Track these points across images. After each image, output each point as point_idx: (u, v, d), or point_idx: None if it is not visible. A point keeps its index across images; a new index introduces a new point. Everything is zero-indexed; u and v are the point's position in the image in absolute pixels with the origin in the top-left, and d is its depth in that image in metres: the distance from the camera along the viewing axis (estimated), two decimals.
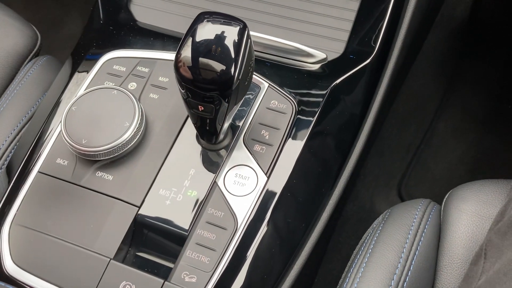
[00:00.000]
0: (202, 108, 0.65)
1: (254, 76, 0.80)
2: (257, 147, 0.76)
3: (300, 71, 0.85)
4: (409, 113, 1.51)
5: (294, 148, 0.77)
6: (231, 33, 0.60)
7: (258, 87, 0.81)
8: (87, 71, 0.87)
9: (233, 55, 0.60)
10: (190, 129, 0.79)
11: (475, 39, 1.59)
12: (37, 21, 1.15)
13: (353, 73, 0.85)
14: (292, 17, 0.89)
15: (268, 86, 0.81)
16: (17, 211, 0.76)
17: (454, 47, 1.59)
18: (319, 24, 0.88)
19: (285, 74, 0.84)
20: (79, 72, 0.88)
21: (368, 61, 0.86)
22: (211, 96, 0.62)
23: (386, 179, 1.44)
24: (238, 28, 0.61)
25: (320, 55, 0.85)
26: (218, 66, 0.60)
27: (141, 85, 0.82)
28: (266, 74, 0.83)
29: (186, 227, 0.73)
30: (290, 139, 0.78)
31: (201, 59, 0.60)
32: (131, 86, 0.83)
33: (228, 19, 0.62)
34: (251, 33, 0.63)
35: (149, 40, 0.89)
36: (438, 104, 1.52)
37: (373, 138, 1.23)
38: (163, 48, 0.88)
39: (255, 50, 0.73)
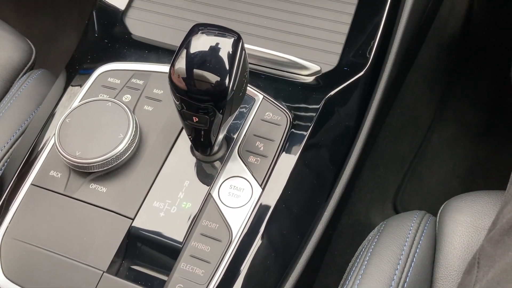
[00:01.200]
0: (197, 120, 0.65)
1: (248, 88, 0.81)
2: (251, 159, 0.76)
3: (294, 83, 0.85)
4: (403, 125, 1.52)
5: (289, 160, 0.77)
6: (225, 45, 0.61)
7: (252, 99, 0.81)
8: (82, 84, 0.87)
9: (227, 67, 0.60)
10: (184, 141, 0.78)
11: (467, 53, 1.60)
12: (32, 35, 1.16)
13: (347, 85, 0.85)
14: (287, 30, 0.90)
15: (263, 98, 0.81)
16: (9, 223, 0.75)
17: (447, 60, 1.60)
18: (313, 37, 0.89)
19: (280, 86, 0.84)
20: (73, 85, 0.88)
21: (362, 73, 0.86)
22: (205, 107, 0.62)
23: (381, 192, 1.44)
24: (232, 39, 0.61)
25: (314, 67, 0.86)
26: (213, 77, 0.60)
27: (135, 97, 0.83)
28: (260, 87, 0.83)
29: (180, 239, 0.72)
30: (285, 150, 0.78)
31: (196, 70, 0.60)
32: (126, 98, 0.83)
33: (223, 30, 0.62)
34: (246, 46, 0.63)
35: (144, 53, 0.90)
36: (432, 116, 1.52)
37: (367, 150, 1.23)
38: (158, 60, 0.88)
39: (249, 63, 0.73)
